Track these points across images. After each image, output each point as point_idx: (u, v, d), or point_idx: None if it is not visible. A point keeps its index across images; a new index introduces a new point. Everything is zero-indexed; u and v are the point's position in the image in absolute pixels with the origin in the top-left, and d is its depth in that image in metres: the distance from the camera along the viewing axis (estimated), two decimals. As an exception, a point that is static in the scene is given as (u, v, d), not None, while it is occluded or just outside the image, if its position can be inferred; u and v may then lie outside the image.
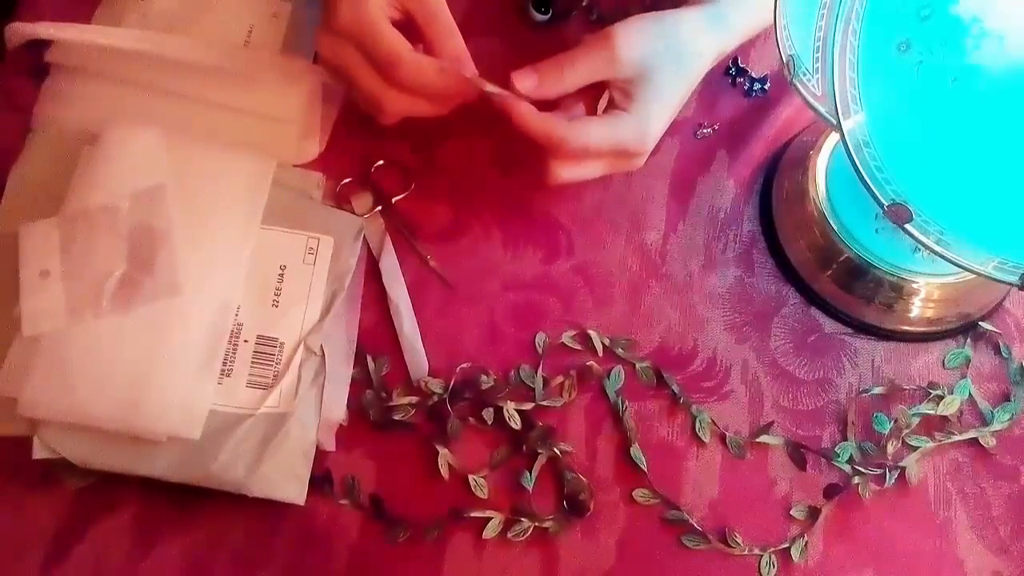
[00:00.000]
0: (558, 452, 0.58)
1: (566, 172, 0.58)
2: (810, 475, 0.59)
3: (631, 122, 0.57)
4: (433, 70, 0.55)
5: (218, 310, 0.56)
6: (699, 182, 0.66)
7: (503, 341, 0.61)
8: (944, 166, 0.48)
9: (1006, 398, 0.62)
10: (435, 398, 0.58)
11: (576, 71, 0.56)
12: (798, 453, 0.59)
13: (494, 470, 0.58)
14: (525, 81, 0.56)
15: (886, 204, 0.49)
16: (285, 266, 0.59)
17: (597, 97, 0.59)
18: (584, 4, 0.70)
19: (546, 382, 0.60)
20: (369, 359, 0.59)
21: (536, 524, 0.56)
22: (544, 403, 0.59)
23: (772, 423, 0.60)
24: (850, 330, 0.63)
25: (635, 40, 0.56)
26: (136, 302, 0.55)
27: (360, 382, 0.59)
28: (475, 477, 0.57)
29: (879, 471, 0.59)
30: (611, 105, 0.58)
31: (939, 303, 0.62)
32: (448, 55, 0.56)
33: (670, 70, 0.57)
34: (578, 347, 0.61)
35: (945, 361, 0.63)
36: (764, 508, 0.58)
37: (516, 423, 0.58)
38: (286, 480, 0.54)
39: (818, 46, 0.53)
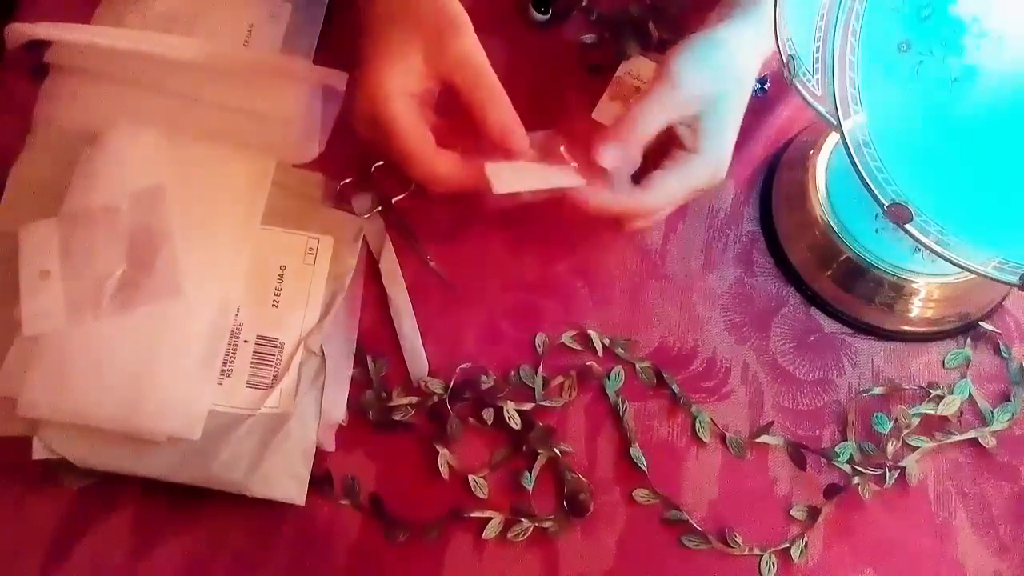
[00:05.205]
0: (558, 452, 0.58)
1: (642, 223, 0.57)
2: (810, 475, 0.59)
3: (704, 163, 0.56)
4: (446, 169, 0.52)
5: (218, 310, 0.56)
6: (699, 182, 0.66)
7: (503, 341, 0.61)
8: (944, 166, 0.48)
9: (1006, 398, 0.62)
10: (435, 398, 0.58)
11: (650, 123, 0.54)
12: (798, 453, 0.59)
13: (494, 470, 0.58)
14: (609, 158, 0.53)
15: (886, 204, 0.49)
16: (285, 266, 0.59)
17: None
18: (584, 4, 0.70)
19: (546, 382, 0.60)
20: (369, 359, 0.59)
21: (536, 524, 0.56)
22: (544, 403, 0.59)
23: (772, 423, 0.60)
24: (850, 330, 0.63)
25: (698, 76, 0.55)
26: (136, 302, 0.55)
27: (360, 382, 0.59)
28: (475, 477, 0.57)
29: (879, 471, 0.59)
30: (678, 145, 0.56)
31: (939, 303, 0.62)
32: (491, 126, 0.52)
33: (732, 97, 0.56)
34: (578, 347, 0.61)
35: (945, 361, 0.63)
36: (764, 508, 0.58)
37: (516, 423, 0.58)
38: (286, 480, 0.54)
39: (818, 46, 0.53)
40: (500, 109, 0.52)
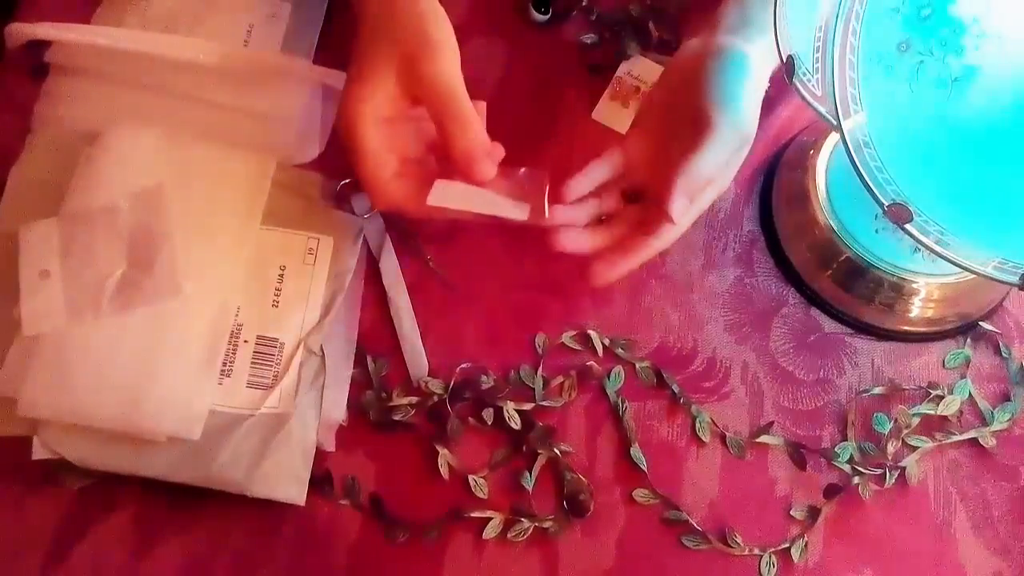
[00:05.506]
0: (558, 452, 0.58)
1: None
2: (810, 475, 0.59)
3: (717, 188, 0.55)
4: (400, 198, 0.53)
5: (218, 310, 0.57)
6: (699, 182, 0.66)
7: (503, 341, 0.61)
8: (944, 166, 0.48)
9: (1006, 398, 0.62)
10: (435, 398, 0.58)
11: (711, 167, 0.53)
12: (798, 453, 0.59)
13: (494, 470, 0.58)
14: (680, 210, 0.51)
15: (886, 204, 0.49)
16: (285, 266, 0.59)
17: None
18: (584, 4, 0.70)
19: (546, 382, 0.60)
20: (369, 359, 0.59)
21: (536, 524, 0.56)
22: (544, 403, 0.59)
23: (772, 423, 0.60)
24: (850, 330, 0.63)
25: (747, 108, 0.54)
26: (136, 302, 0.55)
27: (360, 382, 0.59)
28: (475, 477, 0.57)
29: (879, 471, 0.59)
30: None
31: (939, 303, 0.62)
32: (456, 153, 0.51)
33: (756, 122, 0.55)
34: (578, 347, 0.61)
35: (945, 361, 0.63)
36: (764, 508, 0.58)
37: (516, 423, 0.58)
38: (286, 480, 0.54)
39: (818, 46, 0.53)
40: (467, 138, 0.51)
